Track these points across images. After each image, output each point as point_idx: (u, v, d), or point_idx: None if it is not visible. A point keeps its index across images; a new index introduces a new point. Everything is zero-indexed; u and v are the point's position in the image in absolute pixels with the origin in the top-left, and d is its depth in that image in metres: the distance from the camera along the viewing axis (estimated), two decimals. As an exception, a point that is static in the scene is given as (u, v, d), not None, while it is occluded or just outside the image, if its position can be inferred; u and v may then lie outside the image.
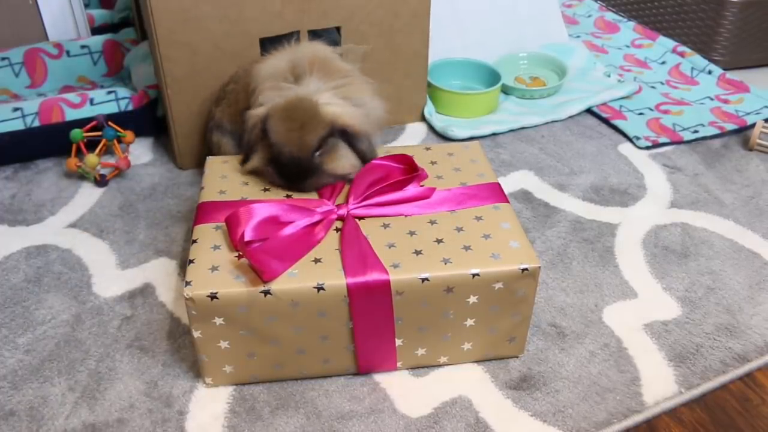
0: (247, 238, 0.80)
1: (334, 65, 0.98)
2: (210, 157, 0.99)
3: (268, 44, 1.16)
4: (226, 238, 0.83)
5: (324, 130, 0.89)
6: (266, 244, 0.79)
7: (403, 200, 0.88)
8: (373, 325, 0.80)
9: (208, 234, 0.84)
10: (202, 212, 0.87)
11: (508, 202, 0.90)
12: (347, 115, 0.92)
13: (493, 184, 0.92)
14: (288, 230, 0.82)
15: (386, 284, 0.77)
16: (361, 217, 0.86)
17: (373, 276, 0.77)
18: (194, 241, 0.83)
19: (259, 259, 0.76)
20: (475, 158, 0.98)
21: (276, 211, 0.83)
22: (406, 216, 0.86)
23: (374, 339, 0.82)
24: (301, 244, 0.81)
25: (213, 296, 0.76)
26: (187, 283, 0.77)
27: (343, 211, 0.85)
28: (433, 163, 0.96)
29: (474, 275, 0.79)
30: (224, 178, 0.94)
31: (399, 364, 0.86)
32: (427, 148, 1.00)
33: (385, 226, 0.85)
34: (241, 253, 0.80)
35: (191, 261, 0.80)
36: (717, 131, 1.34)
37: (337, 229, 0.84)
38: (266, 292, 0.76)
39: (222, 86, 1.13)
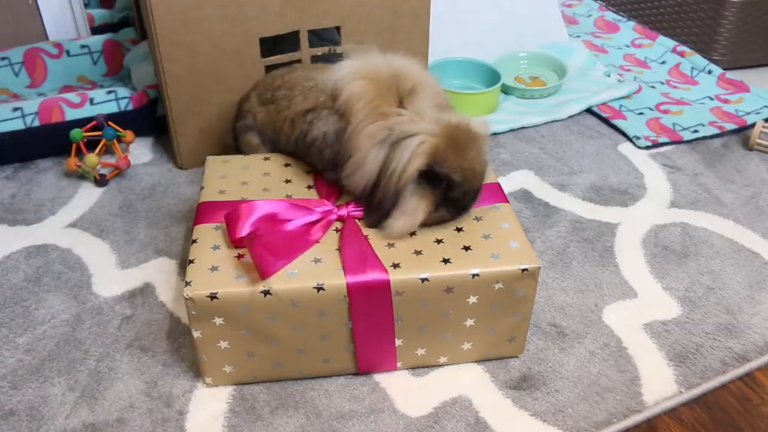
0: (244, 233, 0.80)
1: (431, 84, 0.90)
2: (210, 156, 0.99)
3: (269, 43, 1.17)
4: (226, 238, 0.83)
5: (486, 150, 0.86)
6: (263, 238, 0.79)
7: (403, 200, 0.88)
8: (373, 325, 0.80)
9: (208, 234, 0.84)
10: (202, 212, 0.87)
11: (508, 202, 0.89)
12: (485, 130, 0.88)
13: (493, 184, 0.92)
14: (285, 227, 0.82)
15: (386, 284, 0.77)
16: (361, 218, 0.86)
17: (373, 276, 0.77)
18: (194, 241, 0.83)
19: (255, 252, 0.76)
20: (475, 158, 0.98)
21: (276, 208, 0.83)
22: (406, 216, 0.86)
23: (374, 339, 0.82)
24: (297, 242, 0.81)
25: (213, 296, 0.76)
26: (187, 283, 0.77)
27: (343, 212, 0.85)
28: (433, 162, 0.96)
29: (474, 275, 0.79)
30: (224, 178, 0.94)
31: (399, 364, 0.86)
32: (427, 148, 1.00)
33: (385, 225, 0.85)
34: (241, 253, 0.80)
35: (191, 261, 0.80)
36: (717, 131, 1.34)
37: (336, 230, 0.84)
38: (266, 292, 0.76)
39: (270, 87, 1.04)
